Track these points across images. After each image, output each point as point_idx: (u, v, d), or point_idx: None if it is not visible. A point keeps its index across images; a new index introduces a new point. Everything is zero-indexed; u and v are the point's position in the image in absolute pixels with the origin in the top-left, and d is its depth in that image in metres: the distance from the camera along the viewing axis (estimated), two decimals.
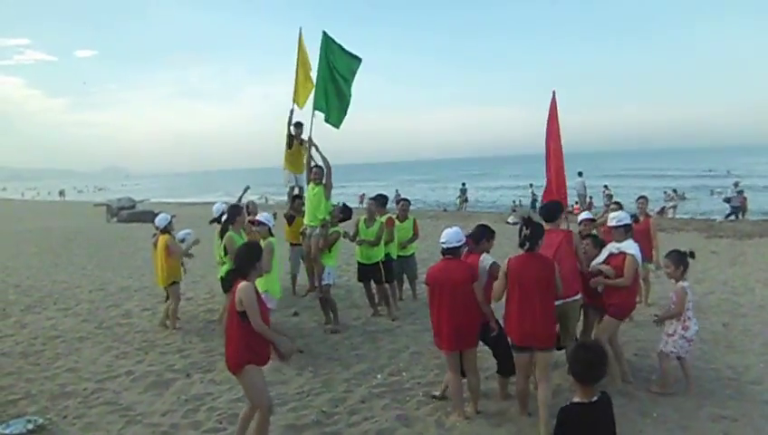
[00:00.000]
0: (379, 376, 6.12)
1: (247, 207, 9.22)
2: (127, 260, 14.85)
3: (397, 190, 35.78)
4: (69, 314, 9.12)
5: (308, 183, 8.50)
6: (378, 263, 8.56)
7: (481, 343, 5.18)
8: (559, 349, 5.17)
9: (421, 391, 5.66)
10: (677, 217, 24.07)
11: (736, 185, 23.79)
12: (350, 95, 8.91)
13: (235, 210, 7.60)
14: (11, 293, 10.89)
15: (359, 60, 8.90)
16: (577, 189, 24.38)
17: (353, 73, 8.90)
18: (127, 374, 6.33)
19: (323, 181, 8.05)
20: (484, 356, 5.75)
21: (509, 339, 4.90)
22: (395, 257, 8.87)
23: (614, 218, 5.73)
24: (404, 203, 9.74)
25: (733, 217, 21.66)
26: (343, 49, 8.78)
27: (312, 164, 8.55)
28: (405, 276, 9.37)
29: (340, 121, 8.92)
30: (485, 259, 5.23)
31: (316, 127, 8.86)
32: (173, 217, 8.38)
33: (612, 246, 5.65)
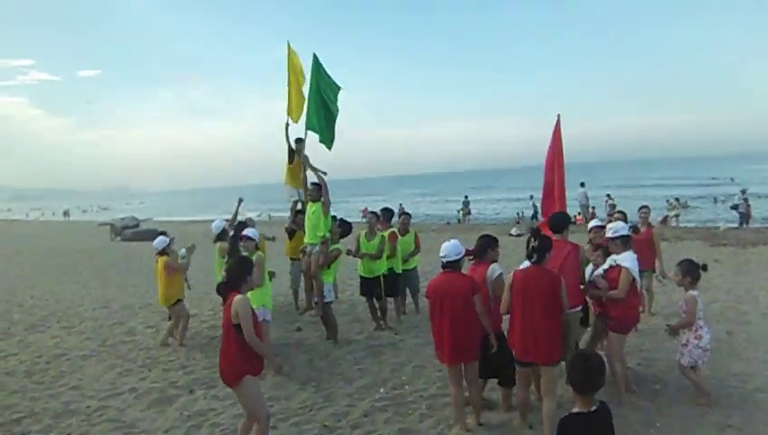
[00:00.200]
0: (381, 390, 6.11)
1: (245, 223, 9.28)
2: (130, 278, 14.89)
3: (401, 204, 35.82)
4: (73, 333, 9.15)
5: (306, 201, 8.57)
6: (380, 276, 8.60)
7: None
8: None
9: (424, 404, 5.65)
10: (681, 225, 24.01)
11: (744, 192, 23.59)
12: (335, 118, 9.15)
13: (242, 227, 7.69)
14: (15, 312, 10.94)
15: (339, 87, 9.15)
16: (579, 200, 24.37)
17: (336, 98, 9.14)
18: (130, 391, 6.35)
19: (321, 199, 8.04)
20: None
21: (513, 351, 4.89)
22: (399, 272, 8.89)
23: (611, 229, 5.71)
24: (405, 217, 9.78)
25: (736, 225, 21.58)
26: (328, 74, 9.05)
27: (309, 182, 8.62)
28: (407, 290, 9.39)
29: (331, 142, 9.14)
30: (494, 270, 5.19)
31: (312, 145, 9.07)
32: (171, 238, 8.42)
33: (611, 258, 5.65)
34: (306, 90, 9.11)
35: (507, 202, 47.99)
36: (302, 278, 9.55)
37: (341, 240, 8.19)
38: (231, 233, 8.08)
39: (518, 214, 31.40)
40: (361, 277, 8.70)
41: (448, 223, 31.53)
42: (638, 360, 6.60)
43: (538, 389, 5.06)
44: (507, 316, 4.95)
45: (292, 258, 9.74)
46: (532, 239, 4.77)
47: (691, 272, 5.34)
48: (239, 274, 4.45)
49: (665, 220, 24.87)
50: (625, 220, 7.99)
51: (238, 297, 4.28)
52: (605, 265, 5.66)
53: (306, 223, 8.23)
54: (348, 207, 46.17)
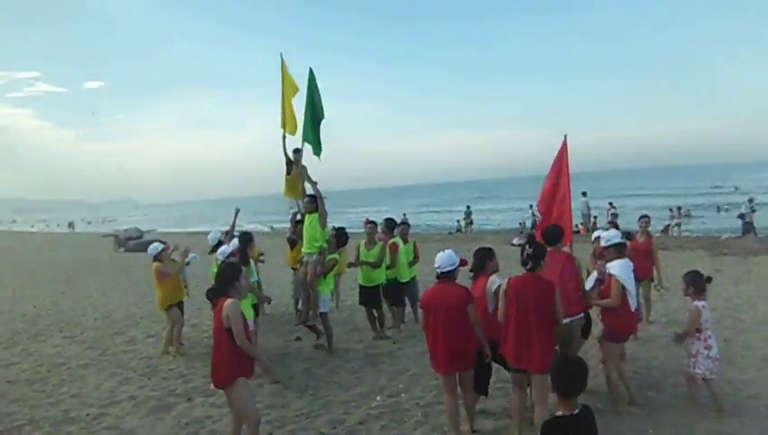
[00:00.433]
0: (378, 398, 6.15)
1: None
2: (132, 289, 14.97)
3: (404, 214, 35.92)
4: (74, 342, 9.22)
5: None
6: (379, 286, 8.67)
7: None
8: None
9: (420, 411, 5.69)
10: (682, 234, 23.98)
11: (751, 201, 23.45)
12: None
13: (247, 237, 7.81)
14: (18, 321, 11.03)
15: (323, 115, 9.46)
16: (581, 210, 24.38)
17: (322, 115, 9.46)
18: (129, 399, 6.41)
19: (317, 210, 8.04)
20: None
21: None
22: (404, 281, 8.96)
23: (604, 238, 5.74)
24: (404, 227, 9.84)
25: (738, 235, 21.53)
26: (319, 92, 9.37)
27: (306, 194, 8.73)
28: (407, 300, 9.44)
29: (320, 153, 9.38)
30: (492, 282, 5.22)
31: (307, 156, 9.29)
32: (164, 245, 8.55)
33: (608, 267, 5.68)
34: (300, 102, 9.40)
35: (511, 212, 47.97)
36: None
37: (339, 250, 8.24)
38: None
39: (520, 224, 31.44)
40: (360, 286, 8.77)
41: (450, 233, 31.60)
42: (635, 368, 6.62)
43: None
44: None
45: (293, 268, 9.80)
46: (527, 247, 4.82)
47: (695, 282, 5.36)
48: (228, 279, 4.53)
49: (666, 229, 24.85)
50: (617, 228, 8.02)
51: (228, 301, 4.36)
52: (595, 275, 5.71)
53: (304, 233, 8.30)
54: (350, 218, 46.25)
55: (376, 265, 8.61)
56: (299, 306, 9.86)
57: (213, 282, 7.32)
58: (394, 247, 8.87)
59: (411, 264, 9.29)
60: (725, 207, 37.51)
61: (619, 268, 5.39)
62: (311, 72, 9.22)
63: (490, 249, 5.56)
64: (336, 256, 8.16)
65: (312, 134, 9.22)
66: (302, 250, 8.24)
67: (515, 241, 22.01)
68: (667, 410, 5.37)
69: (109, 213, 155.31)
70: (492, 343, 4.94)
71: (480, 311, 5.01)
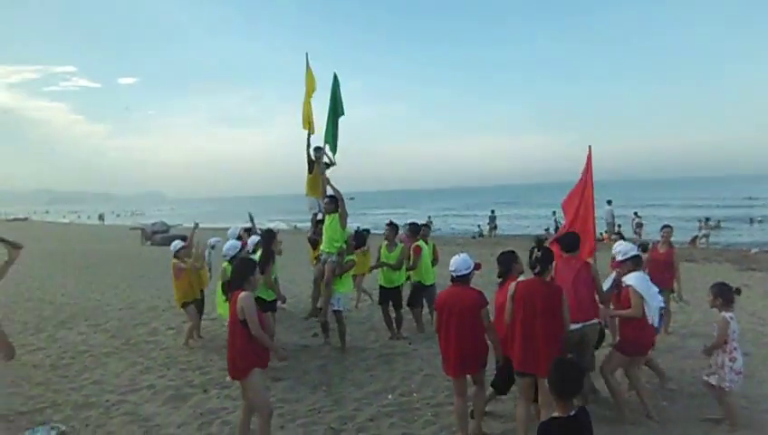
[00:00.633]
0: (390, 396, 6.22)
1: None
2: (157, 281, 15.28)
3: (429, 217, 36.03)
4: (98, 331, 9.48)
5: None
6: (399, 287, 8.77)
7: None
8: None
9: (429, 411, 5.74)
10: (711, 246, 23.53)
11: None
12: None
13: (270, 234, 7.94)
14: (46, 309, 11.37)
15: (343, 112, 9.71)
16: (605, 218, 24.08)
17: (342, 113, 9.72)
18: (148, 388, 6.58)
19: (338, 211, 8.10)
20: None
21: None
22: (427, 284, 8.91)
23: (619, 252, 5.70)
24: (424, 229, 9.88)
25: None
26: (341, 96, 9.64)
27: (326, 195, 8.85)
28: (425, 302, 9.47)
29: (335, 152, 9.66)
30: (512, 288, 5.13)
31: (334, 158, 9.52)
32: (185, 243, 8.69)
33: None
34: (318, 102, 9.74)
35: (536, 218, 47.57)
36: None
37: (363, 250, 8.31)
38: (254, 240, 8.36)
39: (546, 230, 31.23)
40: (381, 287, 8.89)
41: (474, 237, 31.51)
42: (647, 378, 6.54)
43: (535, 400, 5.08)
44: None
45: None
46: (535, 250, 4.84)
47: (723, 294, 5.24)
48: (243, 273, 4.70)
49: (694, 241, 24.42)
50: (622, 238, 7.94)
51: (243, 294, 4.52)
52: (613, 276, 5.68)
53: (324, 233, 8.40)
54: (375, 220, 46.40)
55: (396, 268, 8.72)
56: (318, 304, 10.00)
57: (222, 278, 7.33)
58: (417, 250, 8.88)
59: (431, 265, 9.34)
60: (759, 218, 36.64)
61: (635, 279, 5.38)
62: (335, 77, 9.47)
63: (513, 252, 5.59)
64: (354, 257, 8.28)
65: (332, 137, 9.44)
66: (321, 248, 8.36)
67: None
68: (680, 422, 5.32)
69: (137, 206, 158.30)
70: None
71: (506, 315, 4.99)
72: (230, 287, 4.74)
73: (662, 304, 5.67)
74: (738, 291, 5.40)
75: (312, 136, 9.69)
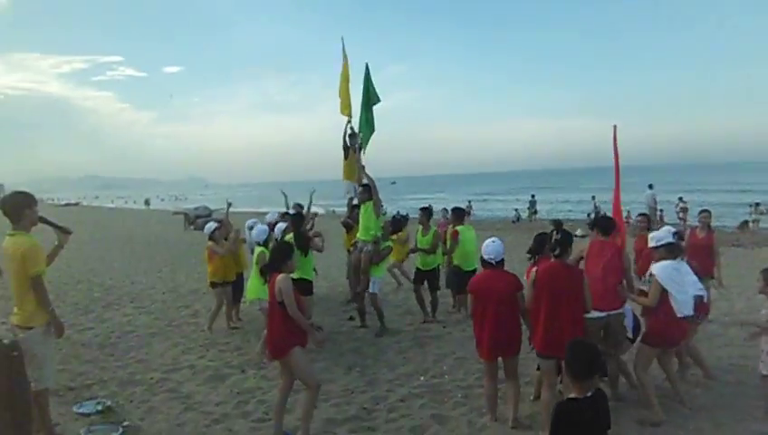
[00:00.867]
0: (421, 378, 6.31)
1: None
2: (198, 265, 15.65)
3: (469, 201, 35.89)
4: (143, 312, 9.87)
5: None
6: (435, 269, 8.86)
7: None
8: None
9: (460, 393, 5.80)
10: (761, 231, 22.73)
11: None
12: (373, 127, 9.81)
13: (300, 218, 8.02)
14: (95, 291, 11.88)
15: (379, 99, 9.82)
16: (647, 203, 23.46)
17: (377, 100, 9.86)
18: (189, 368, 6.84)
19: (372, 199, 8.14)
20: (527, 362, 5.84)
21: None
22: (467, 269, 8.45)
23: (653, 238, 5.48)
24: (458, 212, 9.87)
25: None
26: (374, 85, 9.79)
27: (360, 184, 8.96)
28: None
29: (368, 140, 9.81)
30: (534, 274, 5.22)
31: (372, 151, 9.70)
32: (218, 225, 8.83)
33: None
34: (353, 87, 9.88)
35: (577, 203, 46.66)
36: None
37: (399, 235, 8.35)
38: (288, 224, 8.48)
39: (588, 215, 30.64)
40: (417, 269, 9.02)
41: (513, 222, 31.21)
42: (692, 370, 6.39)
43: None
44: None
45: (348, 250, 10.07)
46: (555, 232, 4.81)
47: None
48: (280, 257, 4.89)
49: (745, 225, 23.64)
50: (648, 224, 7.81)
51: (281, 276, 4.69)
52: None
53: (360, 220, 8.49)
54: (415, 205, 46.37)
55: (430, 252, 8.79)
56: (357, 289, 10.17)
57: (257, 261, 7.42)
58: (455, 234, 8.79)
59: None
60: None
61: (660, 269, 5.12)
62: (366, 67, 9.64)
63: (545, 234, 5.56)
64: (390, 243, 8.39)
65: (366, 125, 9.57)
66: (357, 236, 8.47)
67: (578, 232, 21.46)
68: (713, 409, 5.23)
69: (180, 191, 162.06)
70: None
71: None
72: (269, 269, 4.93)
73: (701, 293, 5.46)
74: None
75: (350, 122, 9.79)
